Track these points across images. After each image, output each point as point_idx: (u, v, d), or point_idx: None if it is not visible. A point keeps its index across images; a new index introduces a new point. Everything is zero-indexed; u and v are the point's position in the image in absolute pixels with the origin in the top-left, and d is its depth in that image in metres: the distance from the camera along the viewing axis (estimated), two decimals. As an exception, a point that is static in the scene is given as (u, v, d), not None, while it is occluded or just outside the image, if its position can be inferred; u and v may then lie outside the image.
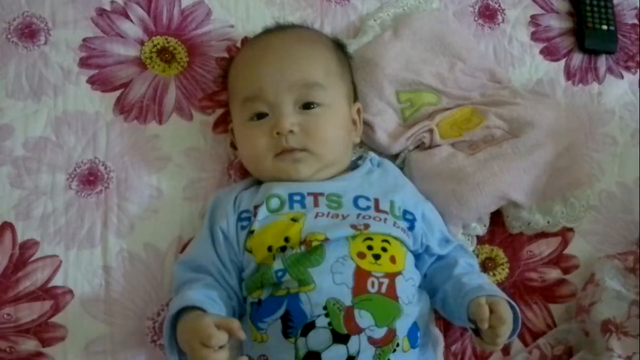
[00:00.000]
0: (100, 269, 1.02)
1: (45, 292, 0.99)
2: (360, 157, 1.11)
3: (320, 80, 1.01)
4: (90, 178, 1.07)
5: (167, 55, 1.17)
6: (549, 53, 1.32)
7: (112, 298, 1.01)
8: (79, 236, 1.03)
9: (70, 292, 1.00)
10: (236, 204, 0.99)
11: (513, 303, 0.91)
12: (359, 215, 0.95)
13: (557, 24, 1.36)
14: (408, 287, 0.92)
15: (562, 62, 1.32)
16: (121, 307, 1.01)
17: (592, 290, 1.05)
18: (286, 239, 0.92)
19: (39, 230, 1.02)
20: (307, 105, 1.00)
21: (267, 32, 1.11)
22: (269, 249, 0.92)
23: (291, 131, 0.97)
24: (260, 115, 1.00)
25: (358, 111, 1.10)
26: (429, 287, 0.99)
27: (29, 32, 1.14)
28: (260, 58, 1.03)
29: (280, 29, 1.12)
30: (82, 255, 1.02)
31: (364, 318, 0.87)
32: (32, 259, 1.01)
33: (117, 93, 1.13)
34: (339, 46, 1.12)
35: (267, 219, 0.95)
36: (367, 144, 1.15)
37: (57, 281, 1.00)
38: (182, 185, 1.09)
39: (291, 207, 0.96)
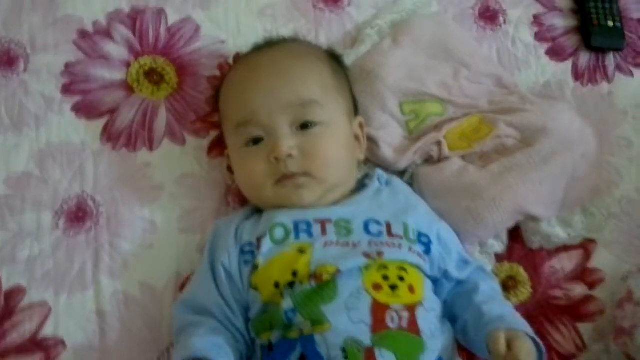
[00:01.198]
0: (94, 314, 0.95)
1: (35, 344, 0.92)
2: (366, 176, 1.04)
3: (316, 97, 0.95)
4: (78, 214, 1.00)
5: (155, 77, 1.10)
6: (555, 53, 1.26)
7: (108, 346, 0.94)
8: (69, 279, 0.97)
9: (62, 342, 0.93)
10: (237, 236, 0.92)
11: (535, 337, 0.84)
12: (370, 242, 0.89)
13: (561, 22, 1.30)
14: (430, 318, 0.86)
15: (569, 62, 1.26)
16: (118, 356, 0.94)
17: (633, 311, 0.97)
18: (294, 273, 0.85)
19: (25, 274, 0.96)
20: (304, 126, 0.93)
21: (256, 50, 1.05)
22: (276, 285, 0.85)
23: (290, 155, 0.91)
24: (256, 140, 0.94)
25: (360, 125, 1.03)
26: (449, 314, 0.92)
27: (7, 60, 1.08)
28: (250, 79, 0.97)
29: (269, 45, 1.05)
30: (73, 300, 0.96)
31: (385, 358, 0.80)
32: (19, 306, 0.94)
33: (104, 120, 1.07)
34: (333, 57, 1.06)
35: (272, 252, 0.88)
36: (372, 160, 1.09)
37: (47, 331, 0.93)
38: (177, 216, 1.03)
39: (297, 236, 0.89)
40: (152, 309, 0.97)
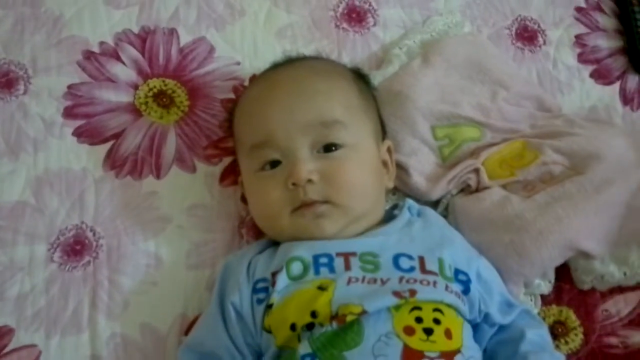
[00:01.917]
0: (89, 360, 0.86)
1: (21, 395, 0.83)
2: (395, 206, 0.94)
3: (339, 117, 0.85)
4: (76, 247, 0.92)
5: (165, 100, 1.02)
6: (600, 76, 1.16)
7: (103, 398, 0.84)
8: (63, 320, 0.88)
9: (52, 393, 0.84)
10: (250, 271, 0.82)
11: None
12: (401, 278, 0.78)
13: (605, 43, 1.20)
14: (469, 369, 0.74)
15: (617, 86, 1.16)
16: (114, 408, 0.84)
17: None
18: (313, 314, 0.74)
19: (14, 314, 0.87)
20: (327, 148, 0.84)
21: (275, 67, 0.96)
22: (292, 327, 0.74)
23: (310, 180, 0.81)
24: (273, 164, 0.85)
25: (389, 150, 0.94)
26: None
27: (6, 82, 1.02)
28: (266, 97, 0.88)
29: (289, 62, 0.97)
30: (66, 343, 0.87)
31: None
32: (5, 351, 0.85)
33: (108, 145, 0.99)
34: (359, 76, 0.97)
35: (288, 289, 0.78)
36: (401, 189, 0.99)
37: (35, 379, 0.84)
38: (185, 250, 0.94)
39: (317, 272, 0.78)
40: (154, 354, 0.88)
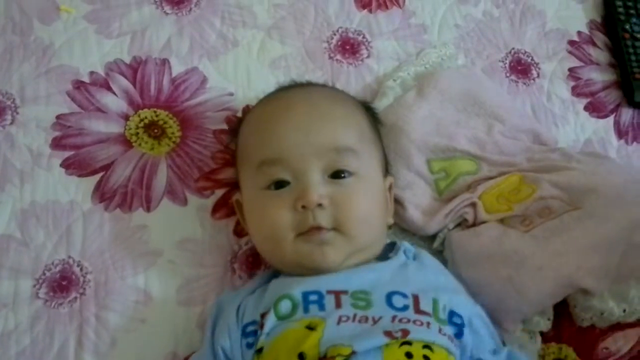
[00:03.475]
0: (74, 404, 0.82)
1: None
2: (391, 248, 0.90)
3: (353, 145, 0.83)
4: (62, 283, 0.88)
5: (156, 131, 1.00)
6: (595, 109, 1.16)
7: None
8: (48, 359, 0.83)
9: None
10: (239, 314, 0.79)
11: None
12: (394, 317, 0.75)
13: (599, 76, 1.20)
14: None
15: (611, 119, 1.16)
16: None
17: None
18: (300, 356, 0.71)
19: None
20: (336, 174, 0.82)
21: (287, 88, 0.95)
22: None
23: (320, 205, 0.79)
24: (279, 184, 0.82)
25: (390, 187, 0.92)
26: None
27: None
28: (283, 115, 0.85)
29: (301, 85, 0.96)
30: (51, 384, 0.82)
31: None
32: (-13, 394, 0.81)
33: (97, 177, 0.96)
34: (368, 109, 0.96)
35: (277, 329, 0.74)
36: (398, 223, 0.97)
37: None
38: (175, 286, 0.90)
39: (306, 310, 0.75)
40: (143, 396, 0.83)
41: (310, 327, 0.73)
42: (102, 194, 0.94)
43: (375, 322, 0.74)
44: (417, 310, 0.77)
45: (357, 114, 0.90)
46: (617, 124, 1.15)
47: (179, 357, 0.86)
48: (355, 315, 0.74)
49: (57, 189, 0.94)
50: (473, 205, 0.95)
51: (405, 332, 0.73)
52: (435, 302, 0.78)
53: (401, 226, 0.97)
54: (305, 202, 0.78)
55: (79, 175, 0.95)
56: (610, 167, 0.98)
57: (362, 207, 0.81)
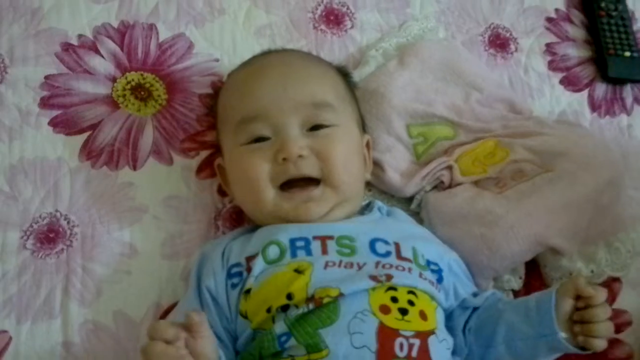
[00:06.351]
0: (60, 346, 0.85)
1: (-11, 379, 0.82)
2: (366, 207, 0.94)
3: (330, 100, 0.87)
4: (49, 235, 0.91)
5: (142, 93, 1.02)
6: (570, 83, 1.19)
7: (74, 383, 0.83)
8: (34, 306, 0.87)
9: (22, 378, 0.82)
10: (224, 257, 0.82)
11: None
12: (378, 263, 0.78)
13: (574, 52, 1.24)
14: (442, 350, 0.75)
15: (585, 93, 1.19)
16: (85, 394, 0.83)
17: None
18: (289, 296, 0.74)
19: None
20: (315, 128, 0.85)
21: (262, 54, 0.97)
22: (268, 310, 0.74)
23: (300, 156, 0.82)
24: (259, 140, 0.85)
25: (367, 145, 0.95)
26: (479, 342, 0.82)
27: None
28: (260, 74, 0.88)
29: (276, 51, 0.98)
30: (38, 329, 0.86)
31: None
32: (-25, 335, 0.83)
33: (84, 136, 0.98)
34: (344, 73, 0.99)
35: (265, 273, 0.78)
36: (376, 185, 1.00)
37: (5, 364, 0.82)
38: (160, 240, 0.93)
39: (294, 254, 0.78)
40: (127, 342, 0.87)
41: (299, 271, 0.77)
42: (89, 152, 0.97)
43: (360, 267, 0.78)
44: (399, 257, 0.80)
45: (332, 74, 0.93)
46: (591, 97, 1.18)
47: (162, 307, 0.89)
48: (340, 262, 0.78)
49: (45, 147, 0.96)
50: (449, 168, 0.98)
51: (389, 277, 0.76)
52: (414, 250, 0.82)
53: (380, 188, 1.00)
54: (286, 154, 0.81)
55: (67, 134, 0.97)
56: (581, 133, 1.02)
57: (342, 152, 0.84)
